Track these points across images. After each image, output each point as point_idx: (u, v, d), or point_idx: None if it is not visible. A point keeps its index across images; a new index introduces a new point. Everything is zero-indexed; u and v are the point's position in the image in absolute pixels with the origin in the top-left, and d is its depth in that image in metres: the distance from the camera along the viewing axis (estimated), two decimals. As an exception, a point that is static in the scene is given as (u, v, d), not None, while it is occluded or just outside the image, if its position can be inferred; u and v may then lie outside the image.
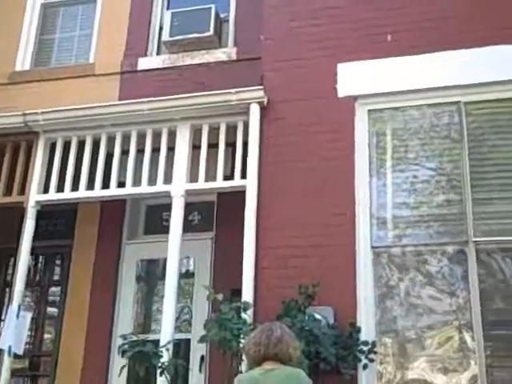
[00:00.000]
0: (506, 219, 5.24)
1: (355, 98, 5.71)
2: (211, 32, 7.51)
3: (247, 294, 5.23)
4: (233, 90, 5.97)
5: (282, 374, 3.87)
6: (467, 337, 5.02)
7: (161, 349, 5.06)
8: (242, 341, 4.69)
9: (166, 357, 5.04)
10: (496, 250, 5.17)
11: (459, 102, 5.54)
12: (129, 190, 6.22)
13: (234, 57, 7.48)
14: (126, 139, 6.35)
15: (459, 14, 5.68)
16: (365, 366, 4.82)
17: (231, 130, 6.11)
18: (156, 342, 5.35)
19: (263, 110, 5.88)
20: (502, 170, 5.39)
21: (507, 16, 5.54)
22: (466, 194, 5.29)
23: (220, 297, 4.80)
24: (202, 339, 4.91)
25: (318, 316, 4.90)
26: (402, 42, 5.71)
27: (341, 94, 5.73)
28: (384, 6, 5.89)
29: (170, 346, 5.23)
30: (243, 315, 4.81)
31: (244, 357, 4.17)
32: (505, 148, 5.42)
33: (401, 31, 5.74)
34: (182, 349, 6.60)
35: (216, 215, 7.08)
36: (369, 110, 5.74)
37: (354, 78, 5.77)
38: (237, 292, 5.45)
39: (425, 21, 5.72)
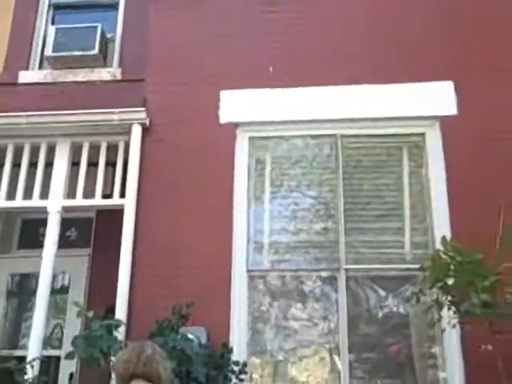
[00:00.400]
0: (375, 248, 5.54)
1: (236, 124, 5.87)
2: (96, 51, 7.44)
3: (121, 312, 5.17)
4: (115, 110, 5.96)
5: None
6: (335, 359, 5.23)
7: (26, 365, 4.89)
8: (112, 358, 4.65)
9: (30, 373, 4.88)
10: (364, 278, 5.45)
11: (335, 134, 5.85)
12: (2, 203, 6.00)
13: (119, 77, 7.45)
14: (2, 152, 6.14)
15: (338, 52, 6.01)
16: (235, 387, 4.90)
17: (112, 148, 6.07)
18: (24, 359, 5.17)
19: (145, 131, 5.90)
20: (372, 201, 5.71)
21: (378, 56, 5.95)
22: (339, 223, 5.54)
23: (90, 314, 4.71)
24: (68, 356, 4.75)
25: (190, 336, 4.91)
26: (284, 75, 5.95)
27: (223, 120, 5.87)
28: (267, 39, 6.12)
29: (37, 363, 5.06)
30: (115, 333, 4.75)
31: (113, 375, 4.11)
32: (375, 181, 5.76)
33: (282, 63, 6.00)
34: (52, 366, 6.42)
35: (94, 232, 6.98)
36: (250, 138, 5.91)
37: (237, 105, 5.94)
38: (112, 309, 5.37)
39: (306, 56, 6.02)
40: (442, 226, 5.29)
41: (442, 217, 5.36)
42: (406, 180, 5.71)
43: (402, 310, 5.39)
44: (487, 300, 3.90)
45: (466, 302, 4.04)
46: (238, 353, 5.06)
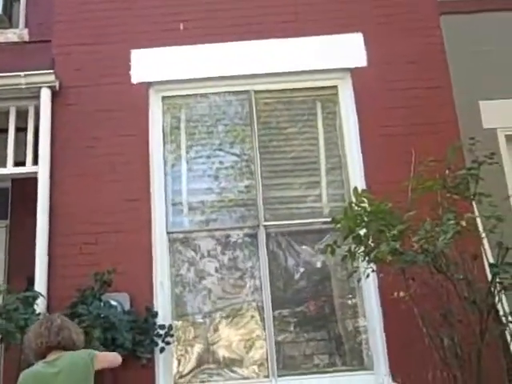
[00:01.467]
0: (292, 204, 5.62)
1: (149, 84, 5.74)
2: (0, 11, 7.09)
3: (40, 283, 5.06)
4: (22, 73, 5.71)
5: (66, 360, 3.84)
6: (258, 317, 5.31)
7: None
8: (30, 332, 4.60)
9: None
10: (284, 233, 5.52)
11: (249, 90, 5.81)
12: None
13: (26, 38, 7.11)
14: None
15: (248, 6, 5.90)
16: (162, 350, 4.92)
17: (23, 114, 5.86)
18: None
19: (55, 94, 5.69)
20: (287, 157, 5.75)
21: (288, 10, 5.87)
22: (257, 180, 5.56)
23: (2, 287, 4.61)
24: (-17, 332, 4.67)
25: (113, 302, 4.91)
26: (195, 31, 5.83)
27: (134, 80, 5.73)
28: (178, -5, 5.98)
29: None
30: (34, 306, 4.67)
31: (27, 351, 4.06)
32: (290, 136, 5.79)
33: (193, 20, 5.87)
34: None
35: (11, 202, 6.76)
36: (163, 97, 5.82)
37: (148, 64, 5.80)
38: (33, 280, 5.28)
39: (217, 11, 5.90)
40: (356, 178, 5.39)
41: (356, 169, 5.46)
42: (320, 133, 5.78)
43: (321, 264, 5.51)
44: (395, 247, 4.02)
45: (376, 251, 4.16)
46: (163, 317, 5.09)
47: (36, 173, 5.53)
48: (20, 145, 5.84)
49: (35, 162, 5.62)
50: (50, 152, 5.55)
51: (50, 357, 3.85)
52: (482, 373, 4.03)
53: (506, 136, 5.75)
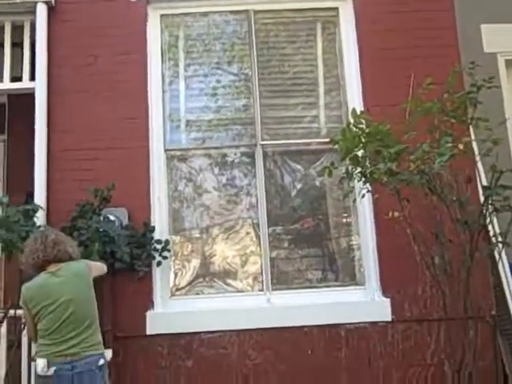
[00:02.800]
0: (290, 124, 5.64)
1: (147, 1, 5.63)
2: None
3: (40, 198, 5.10)
4: (17, -13, 5.61)
5: (68, 269, 4.00)
6: (254, 234, 5.42)
7: None
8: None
9: None
10: (280, 153, 5.57)
11: (248, 10, 5.73)
12: None
13: (22, -49, 6.94)
14: None
15: None
16: (159, 263, 5.03)
17: (18, 29, 5.76)
18: None
19: (51, 10, 5.56)
20: (286, 77, 5.73)
21: None
22: (254, 99, 5.56)
23: (5, 199, 4.65)
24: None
25: (112, 217, 4.98)
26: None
27: (133, -4, 5.65)
28: None
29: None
30: (34, 218, 4.75)
31: (24, 268, 4.17)
32: (289, 56, 5.74)
33: None
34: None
35: (7, 118, 6.74)
36: (161, 15, 5.72)
37: (147, -20, 5.70)
38: (32, 196, 5.33)
39: None
40: (355, 100, 5.39)
41: (354, 91, 5.45)
42: (319, 55, 5.74)
43: (317, 184, 5.58)
44: (392, 167, 4.07)
45: (372, 168, 4.21)
46: (160, 232, 5.17)
47: (33, 89, 5.48)
48: (16, 60, 5.78)
49: (32, 77, 5.57)
50: (47, 68, 5.48)
51: (51, 268, 4.00)
52: (470, 289, 4.16)
53: (506, 61, 5.73)
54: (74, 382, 3.82)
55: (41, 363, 3.85)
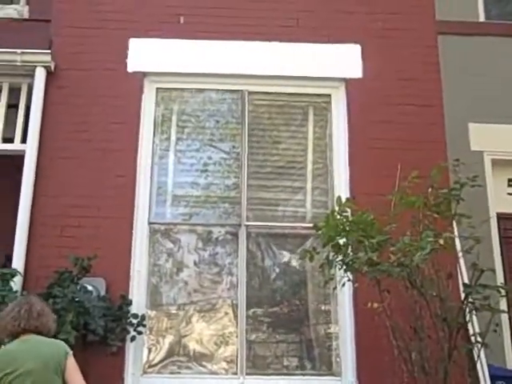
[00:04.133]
0: (276, 206, 5.67)
1: (144, 74, 5.76)
2: (1, -14, 7.07)
3: (18, 262, 5.06)
4: (18, 51, 5.69)
5: (41, 342, 3.87)
6: (232, 314, 5.35)
7: None
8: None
9: None
10: (265, 235, 5.56)
11: (243, 90, 5.86)
12: None
13: (26, 15, 7.09)
14: None
15: (250, 7, 5.95)
16: (133, 338, 4.95)
17: (15, 91, 5.84)
18: None
19: (50, 75, 5.69)
20: (275, 159, 5.79)
21: (288, 15, 5.92)
22: (243, 179, 5.61)
23: (-16, 262, 4.61)
24: (-38, 305, 4.67)
25: (89, 287, 4.92)
26: (195, 26, 5.86)
27: (130, 68, 5.75)
28: (182, -13, 6.00)
29: None
30: (10, 283, 4.68)
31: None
32: (280, 139, 5.84)
33: (194, 15, 5.90)
34: None
35: (-6, 179, 6.72)
36: (157, 88, 5.84)
37: (146, 54, 5.81)
38: (11, 259, 5.27)
39: (219, 8, 5.94)
40: (341, 187, 5.46)
41: (342, 178, 5.52)
42: (310, 140, 5.83)
43: (299, 268, 5.57)
44: (373, 257, 4.08)
45: (352, 257, 4.21)
46: (137, 305, 5.11)
47: (23, 151, 5.52)
48: (10, 122, 5.83)
49: (24, 140, 5.61)
50: (40, 132, 5.54)
51: (25, 337, 3.87)
52: (447, 389, 4.10)
53: (492, 160, 5.85)
54: None
55: None
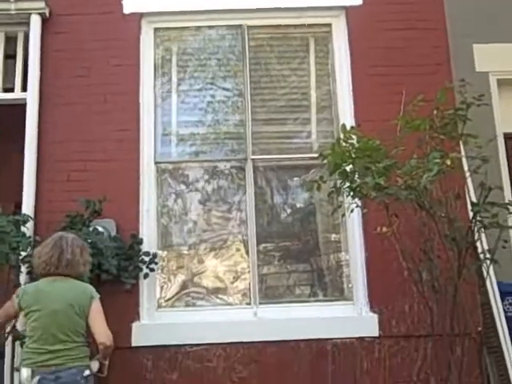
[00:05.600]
0: (281, 139, 5.65)
1: (141, 15, 5.67)
2: None
3: (28, 208, 5.10)
4: (12, -1, 5.65)
5: (68, 285, 4.01)
6: (243, 250, 5.40)
7: None
8: (23, 253, 4.69)
9: None
10: (271, 168, 5.56)
11: (242, 25, 5.76)
12: None
13: (18, -38, 6.98)
14: None
15: None
16: (145, 276, 5.01)
17: (12, 40, 5.78)
18: None
19: (45, 21, 5.61)
20: (278, 92, 5.74)
21: None
22: (246, 114, 5.57)
23: (-2, 209, 4.66)
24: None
25: (100, 229, 4.96)
26: (190, -38, 5.75)
27: (127, 10, 5.64)
28: None
29: None
30: (22, 228, 4.74)
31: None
32: (282, 72, 5.76)
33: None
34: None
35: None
36: (155, 29, 5.75)
37: (141, -6, 5.72)
38: (21, 206, 5.31)
39: None
40: (346, 116, 5.41)
41: (346, 107, 5.47)
42: (312, 71, 5.76)
43: (307, 199, 5.58)
44: (380, 183, 4.07)
45: (360, 182, 4.21)
46: (148, 244, 5.15)
47: (25, 99, 5.50)
48: (9, 71, 5.79)
49: (24, 88, 5.59)
50: (40, 79, 5.51)
51: (55, 278, 4.04)
52: (458, 306, 4.15)
53: (498, 80, 5.75)
54: None
55: (24, 373, 3.85)
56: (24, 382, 3.86)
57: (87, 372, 3.90)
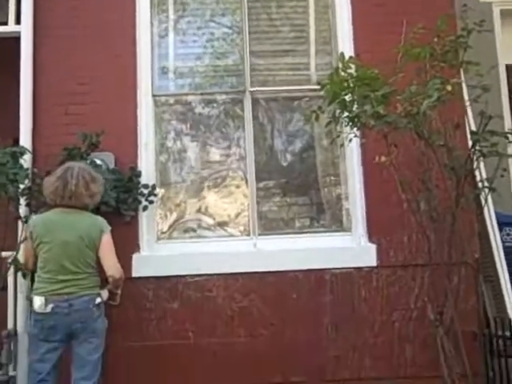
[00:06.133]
0: (280, 71, 5.57)
1: None
2: None
3: (25, 141, 5.04)
4: None
5: (79, 217, 4.14)
6: (242, 183, 5.40)
7: None
8: (21, 186, 4.70)
9: None
10: (270, 100, 5.50)
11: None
12: None
13: None
14: None
15: None
16: (145, 208, 5.01)
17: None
18: None
19: (37, -49, 5.48)
20: (277, 24, 5.63)
21: None
22: (245, 46, 5.47)
23: (-7, 140, 4.65)
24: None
25: (98, 162, 4.94)
26: None
27: None
28: None
29: None
30: (20, 161, 4.73)
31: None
32: (281, 3, 5.64)
33: None
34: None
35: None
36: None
37: None
38: (19, 141, 5.28)
39: None
40: (345, 47, 5.28)
41: (345, 38, 5.35)
42: (311, 1, 5.64)
43: (306, 132, 5.54)
44: (379, 111, 4.03)
45: (359, 110, 4.17)
46: (147, 177, 5.12)
47: (19, 32, 5.40)
48: (2, 4, 5.68)
49: (18, 21, 5.48)
50: (33, 11, 5.36)
51: (66, 209, 4.15)
52: (455, 235, 4.17)
53: (501, 11, 5.66)
54: (71, 319, 3.91)
55: (38, 301, 3.98)
56: (37, 310, 3.98)
57: (98, 300, 4.04)
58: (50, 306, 3.93)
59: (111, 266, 4.05)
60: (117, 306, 4.34)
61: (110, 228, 4.19)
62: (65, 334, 3.96)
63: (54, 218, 4.13)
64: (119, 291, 4.30)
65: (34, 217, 4.38)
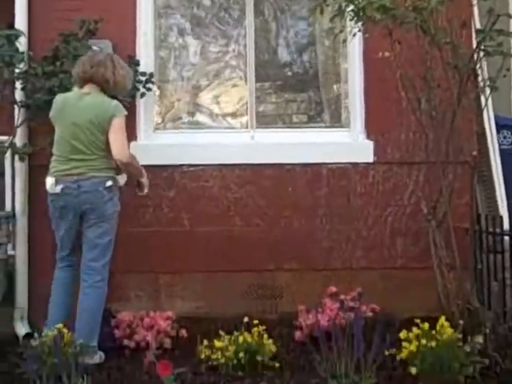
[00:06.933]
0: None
1: None
2: None
3: (21, 25, 4.88)
4: None
5: (94, 101, 4.10)
6: (242, 79, 5.35)
7: None
8: (16, 70, 4.65)
9: None
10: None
11: None
12: None
13: None
14: None
15: None
16: (142, 95, 4.96)
17: None
18: None
19: None
20: None
21: None
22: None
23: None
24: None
25: (94, 47, 4.86)
26: None
27: None
28: None
29: None
30: (16, 44, 4.62)
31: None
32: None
33: None
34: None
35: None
36: None
37: None
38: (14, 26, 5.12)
39: None
40: None
41: None
42: None
43: (308, 30, 5.49)
44: (386, 4, 3.94)
45: (366, 7, 4.08)
46: (145, 65, 5.04)
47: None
48: None
49: None
50: None
51: (85, 89, 4.15)
52: (454, 132, 4.18)
53: None
54: (80, 200, 3.97)
55: (49, 181, 4.05)
56: (49, 191, 4.06)
57: (109, 183, 4.03)
58: (60, 186, 3.98)
59: (118, 149, 4.01)
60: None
61: (124, 113, 4.12)
62: (75, 214, 4.01)
63: (70, 99, 4.14)
64: (144, 180, 4.30)
65: (57, 96, 4.31)
